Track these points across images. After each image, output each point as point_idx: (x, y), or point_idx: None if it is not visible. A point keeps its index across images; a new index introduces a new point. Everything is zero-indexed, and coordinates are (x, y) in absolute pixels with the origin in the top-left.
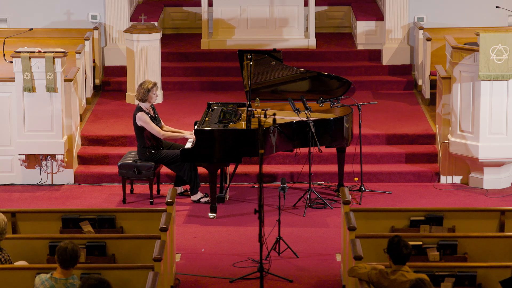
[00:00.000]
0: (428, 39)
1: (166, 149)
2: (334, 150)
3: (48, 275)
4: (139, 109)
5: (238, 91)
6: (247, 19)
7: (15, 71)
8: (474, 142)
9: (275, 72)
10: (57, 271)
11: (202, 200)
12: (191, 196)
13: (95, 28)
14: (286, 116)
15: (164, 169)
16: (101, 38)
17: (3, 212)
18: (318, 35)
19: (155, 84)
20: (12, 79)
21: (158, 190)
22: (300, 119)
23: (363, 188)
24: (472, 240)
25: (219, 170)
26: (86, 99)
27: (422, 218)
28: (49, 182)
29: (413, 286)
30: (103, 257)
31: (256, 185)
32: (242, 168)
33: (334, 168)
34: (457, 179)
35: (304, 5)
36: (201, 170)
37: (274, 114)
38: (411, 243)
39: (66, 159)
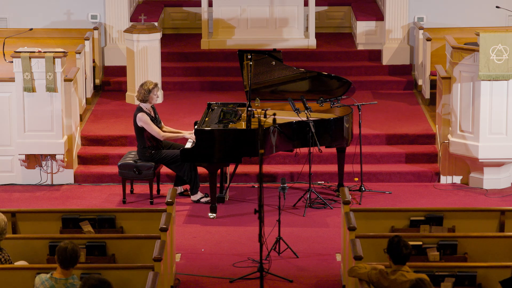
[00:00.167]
0: (428, 39)
1: (166, 149)
2: (334, 150)
3: (48, 275)
4: (140, 109)
5: (238, 91)
6: (247, 19)
7: (15, 71)
8: (474, 142)
9: (275, 72)
10: (57, 271)
11: (202, 200)
12: (191, 196)
13: (95, 28)
14: (286, 116)
15: (164, 169)
16: (101, 38)
17: (3, 212)
18: (318, 35)
19: (156, 84)
20: (12, 79)
21: (158, 190)
22: (300, 119)
23: (363, 188)
24: (472, 240)
25: (219, 170)
26: (86, 99)
27: (422, 218)
28: (49, 182)
29: (413, 286)
30: (103, 257)
31: (256, 185)
32: (242, 168)
33: (334, 168)
34: (457, 179)
35: (304, 5)
36: (201, 170)
37: (274, 114)
38: (411, 243)
39: (66, 159)
